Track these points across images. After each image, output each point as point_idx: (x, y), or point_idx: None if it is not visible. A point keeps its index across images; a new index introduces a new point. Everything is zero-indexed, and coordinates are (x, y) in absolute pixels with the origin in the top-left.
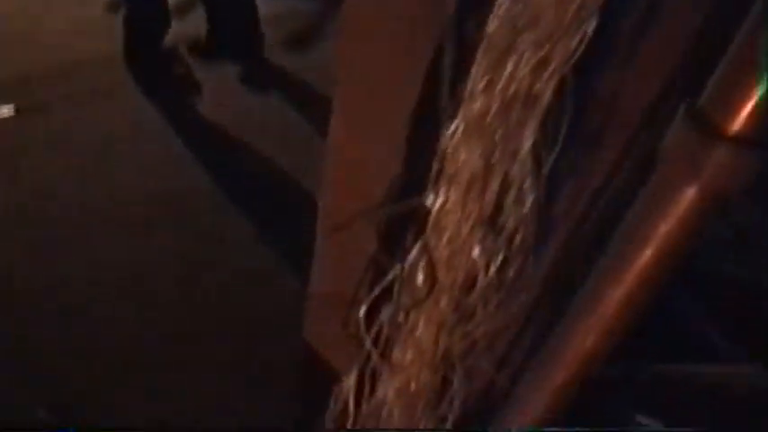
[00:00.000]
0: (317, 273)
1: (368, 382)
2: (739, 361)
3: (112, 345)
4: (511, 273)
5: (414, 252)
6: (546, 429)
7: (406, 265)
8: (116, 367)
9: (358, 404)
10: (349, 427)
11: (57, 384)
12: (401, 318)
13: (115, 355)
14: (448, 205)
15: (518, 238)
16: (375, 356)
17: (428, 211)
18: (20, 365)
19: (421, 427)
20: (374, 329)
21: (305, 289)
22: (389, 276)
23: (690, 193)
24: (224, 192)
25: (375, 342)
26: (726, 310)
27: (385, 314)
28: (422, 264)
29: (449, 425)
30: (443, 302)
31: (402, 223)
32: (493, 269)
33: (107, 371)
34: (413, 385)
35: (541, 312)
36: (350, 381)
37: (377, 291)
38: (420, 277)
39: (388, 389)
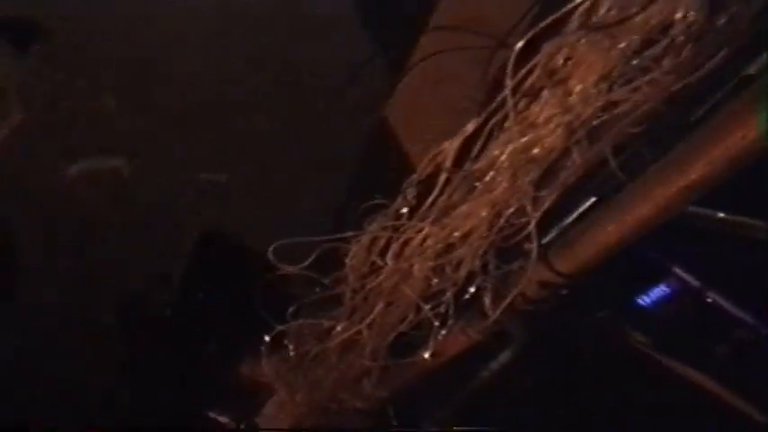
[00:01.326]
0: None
1: (479, 143)
2: None
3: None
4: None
5: None
6: None
7: None
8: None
9: (456, 165)
10: (435, 192)
11: None
12: (560, 60)
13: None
14: None
15: None
16: (511, 105)
17: None
18: None
19: (515, 196)
20: (519, 75)
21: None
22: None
23: None
24: None
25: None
26: None
27: (545, 52)
28: None
29: (543, 206)
30: (624, 43)
31: None
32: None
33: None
34: (536, 149)
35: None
36: (455, 142)
37: (551, 18)
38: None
39: (505, 149)
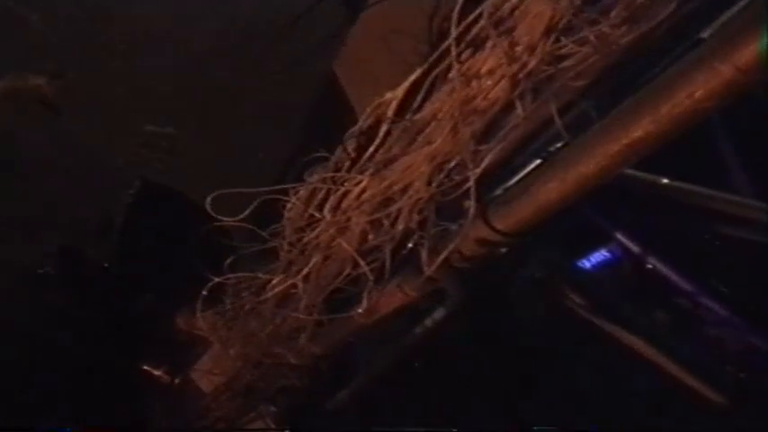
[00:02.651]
0: None
1: (421, 94)
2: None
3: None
4: None
5: None
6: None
7: None
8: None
9: (399, 116)
10: (375, 143)
11: None
12: (506, 10)
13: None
14: None
15: None
16: (455, 54)
17: None
18: None
19: (456, 149)
20: (464, 24)
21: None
22: None
23: None
24: None
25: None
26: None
27: (491, 0)
28: None
29: (484, 162)
30: None
31: None
32: None
33: None
34: (478, 100)
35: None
36: (398, 91)
37: None
38: None
39: (444, 102)
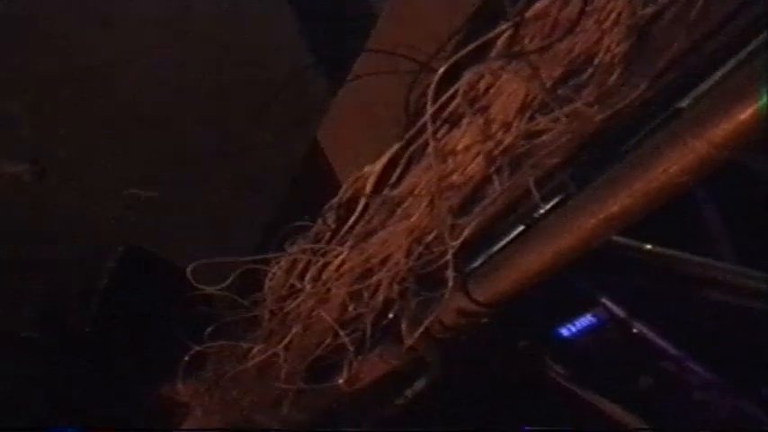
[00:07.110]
0: (384, 21)
1: (399, 169)
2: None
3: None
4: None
5: None
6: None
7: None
8: None
9: (377, 190)
10: (354, 216)
11: None
12: (481, 88)
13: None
14: None
15: None
16: (431, 131)
17: None
18: None
19: (434, 223)
20: (439, 102)
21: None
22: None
23: None
24: None
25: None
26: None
27: (465, 79)
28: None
29: (462, 235)
30: (546, 72)
31: None
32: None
33: None
34: (455, 176)
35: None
36: (376, 166)
37: (473, 45)
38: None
39: (422, 178)
